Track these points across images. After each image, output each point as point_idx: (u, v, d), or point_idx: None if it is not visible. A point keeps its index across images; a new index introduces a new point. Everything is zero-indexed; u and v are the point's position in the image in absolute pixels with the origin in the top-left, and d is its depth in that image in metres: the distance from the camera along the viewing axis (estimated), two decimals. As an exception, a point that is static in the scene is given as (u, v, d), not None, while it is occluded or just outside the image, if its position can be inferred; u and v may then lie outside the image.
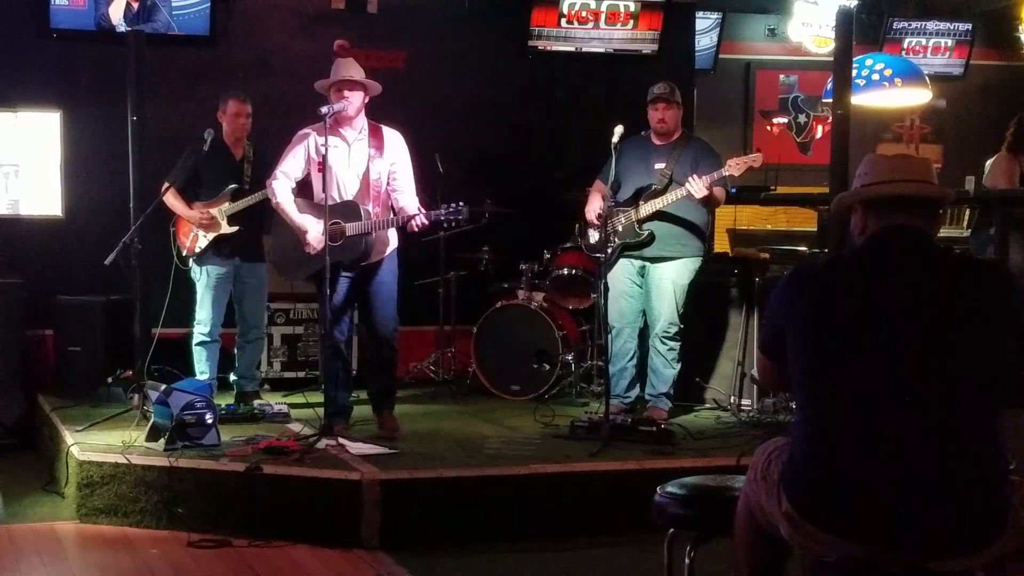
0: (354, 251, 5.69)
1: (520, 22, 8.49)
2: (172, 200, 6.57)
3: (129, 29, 7.26)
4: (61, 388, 7.01)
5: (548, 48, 8.58)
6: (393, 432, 5.86)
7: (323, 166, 5.68)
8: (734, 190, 6.54)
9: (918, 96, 9.00)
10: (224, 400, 6.53)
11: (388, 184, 5.84)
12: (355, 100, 5.75)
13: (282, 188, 5.87)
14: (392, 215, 5.77)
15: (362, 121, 5.85)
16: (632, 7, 8.60)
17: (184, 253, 6.61)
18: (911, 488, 2.69)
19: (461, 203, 5.73)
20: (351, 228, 5.66)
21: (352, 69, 5.81)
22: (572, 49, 8.61)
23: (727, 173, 6.14)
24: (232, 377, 6.83)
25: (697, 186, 6.07)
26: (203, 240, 6.58)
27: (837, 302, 2.83)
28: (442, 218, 5.75)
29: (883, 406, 2.73)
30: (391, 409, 6.04)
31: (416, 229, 5.78)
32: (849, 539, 2.73)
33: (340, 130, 5.82)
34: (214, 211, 6.56)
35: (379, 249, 5.81)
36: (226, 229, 6.56)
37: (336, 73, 5.80)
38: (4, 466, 6.45)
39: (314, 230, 5.73)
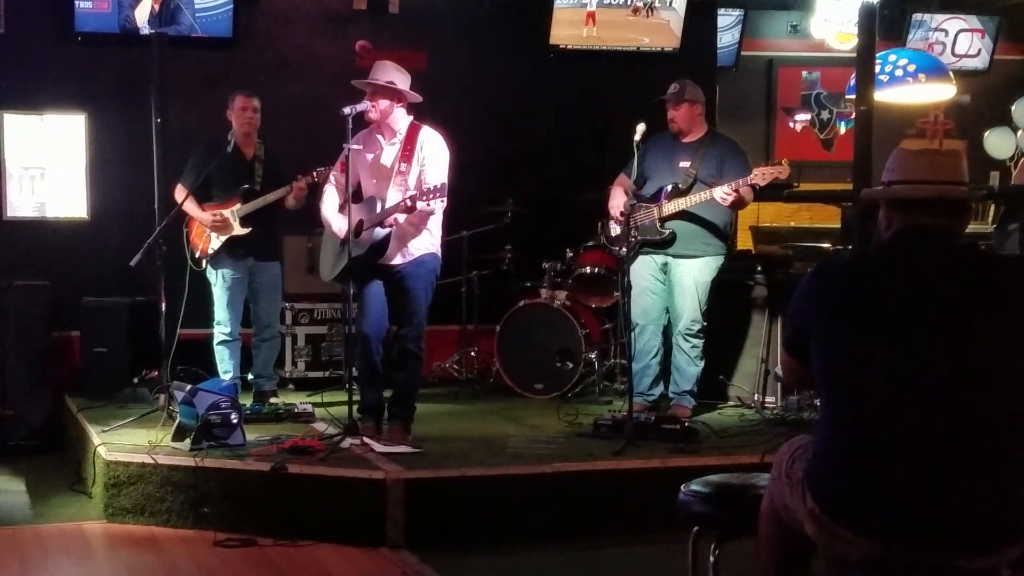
0: (369, 244, 5.62)
1: (541, 21, 8.48)
2: (184, 201, 6.58)
3: (152, 32, 7.31)
4: (87, 389, 7.05)
5: (569, 47, 8.56)
6: (396, 442, 5.61)
7: (345, 166, 5.67)
8: (757, 187, 6.52)
9: (942, 91, 8.95)
10: (248, 400, 6.56)
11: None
12: (381, 105, 5.63)
13: (327, 193, 5.90)
14: (406, 210, 5.51)
15: (400, 124, 5.72)
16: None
17: (197, 255, 6.62)
18: (936, 486, 2.68)
19: (442, 181, 5.47)
20: (367, 222, 5.64)
21: (380, 72, 5.67)
22: (593, 47, 8.59)
23: (752, 182, 6.10)
24: (249, 376, 6.86)
25: (721, 193, 6.05)
26: (216, 242, 6.58)
27: (860, 300, 2.83)
28: (424, 198, 5.39)
29: (907, 404, 2.72)
30: (402, 422, 5.78)
31: (407, 209, 5.46)
32: (874, 537, 2.72)
33: (376, 134, 5.79)
34: (226, 212, 6.56)
35: (401, 249, 5.68)
36: (238, 230, 6.56)
37: (371, 75, 5.68)
38: (32, 467, 6.51)
39: (339, 222, 5.73)
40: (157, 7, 7.61)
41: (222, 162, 6.48)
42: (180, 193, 6.56)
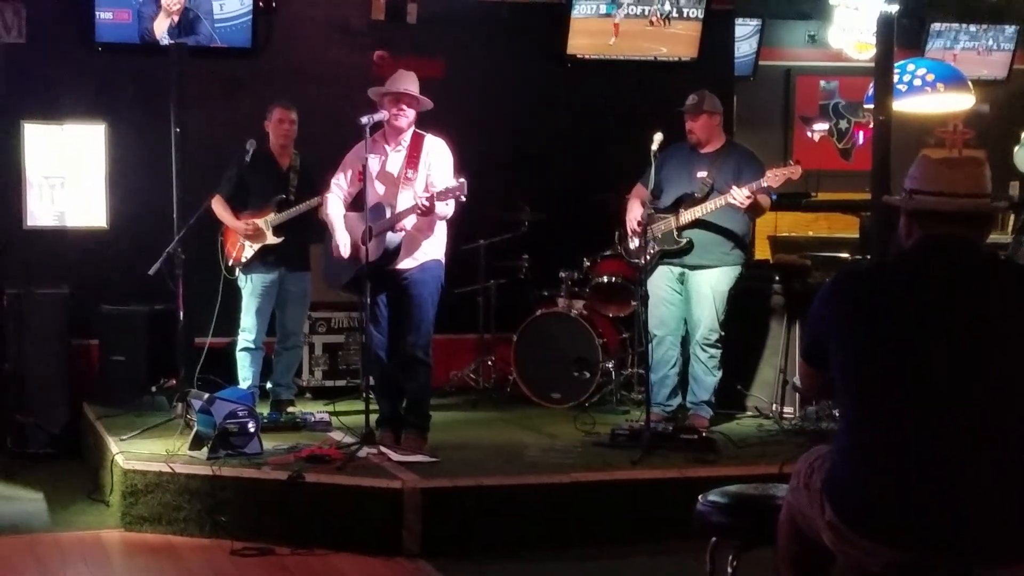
0: (380, 249, 5.62)
1: (559, 31, 8.48)
2: (220, 210, 6.65)
3: (172, 42, 7.34)
4: (106, 397, 7.05)
5: (587, 56, 8.57)
6: (412, 450, 5.61)
7: (363, 176, 5.69)
8: (775, 196, 6.50)
9: (961, 101, 8.91)
10: (266, 409, 6.57)
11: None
12: (411, 115, 5.69)
13: (331, 200, 5.90)
14: (424, 211, 5.52)
15: (406, 132, 5.78)
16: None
17: (231, 263, 6.68)
18: (954, 494, 2.66)
19: (461, 179, 5.46)
20: (376, 227, 5.63)
21: (411, 83, 5.71)
22: (610, 57, 8.60)
23: (765, 184, 6.10)
24: (268, 384, 6.88)
25: (740, 196, 6.05)
26: (249, 250, 6.63)
27: (880, 309, 2.81)
28: (444, 198, 5.46)
29: (926, 413, 2.71)
30: (417, 431, 5.77)
31: (422, 211, 5.48)
32: (893, 547, 2.71)
33: (381, 142, 5.81)
34: (260, 221, 6.61)
35: (409, 254, 5.68)
36: (271, 240, 6.61)
37: (394, 84, 5.71)
38: (50, 474, 6.53)
39: (345, 238, 5.75)
40: (176, 18, 7.64)
41: (256, 171, 6.59)
42: (215, 203, 6.62)
